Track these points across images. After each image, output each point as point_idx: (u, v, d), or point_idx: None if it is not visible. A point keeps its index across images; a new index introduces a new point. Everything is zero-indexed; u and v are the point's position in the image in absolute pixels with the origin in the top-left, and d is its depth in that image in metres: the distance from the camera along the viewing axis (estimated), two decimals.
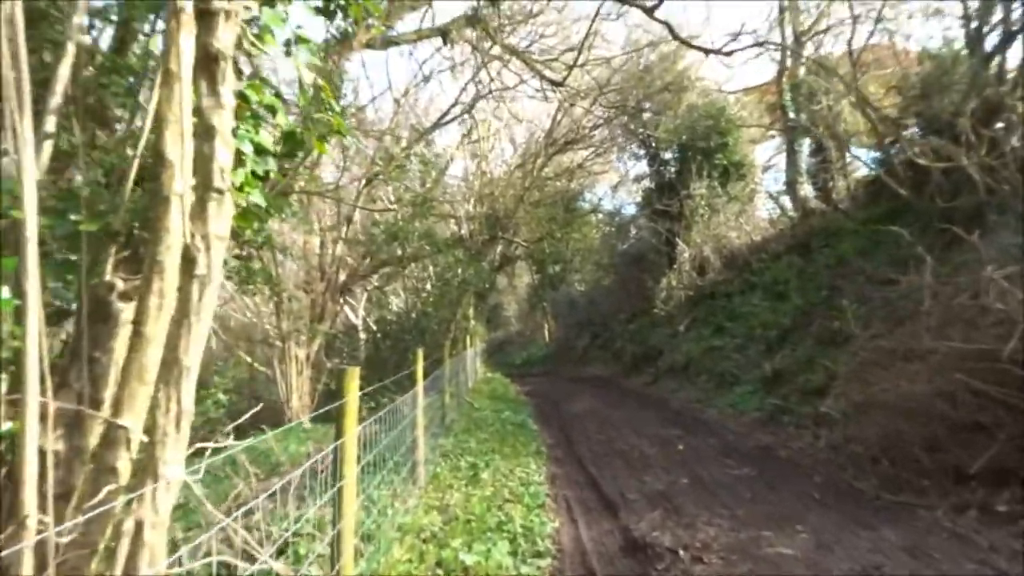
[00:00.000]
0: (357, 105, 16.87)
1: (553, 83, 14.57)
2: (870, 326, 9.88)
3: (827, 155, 15.44)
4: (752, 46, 12.86)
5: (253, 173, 2.95)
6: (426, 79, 17.92)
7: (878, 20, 11.88)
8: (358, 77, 40.59)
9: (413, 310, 19.84)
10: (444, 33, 13.21)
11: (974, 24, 10.24)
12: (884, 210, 13.44)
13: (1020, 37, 9.44)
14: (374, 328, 20.72)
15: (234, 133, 2.77)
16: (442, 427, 9.06)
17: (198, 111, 2.37)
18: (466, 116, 20.09)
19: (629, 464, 7.89)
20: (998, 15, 9.99)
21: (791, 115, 16.54)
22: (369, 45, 12.69)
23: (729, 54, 11.35)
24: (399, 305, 21.92)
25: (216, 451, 4.80)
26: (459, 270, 19.70)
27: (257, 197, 2.96)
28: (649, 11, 10.76)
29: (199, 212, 2.37)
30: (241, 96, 2.96)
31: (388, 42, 12.89)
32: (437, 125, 18.87)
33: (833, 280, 12.37)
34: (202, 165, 2.38)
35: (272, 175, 3.08)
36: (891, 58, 13.76)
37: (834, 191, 15.09)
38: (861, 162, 14.09)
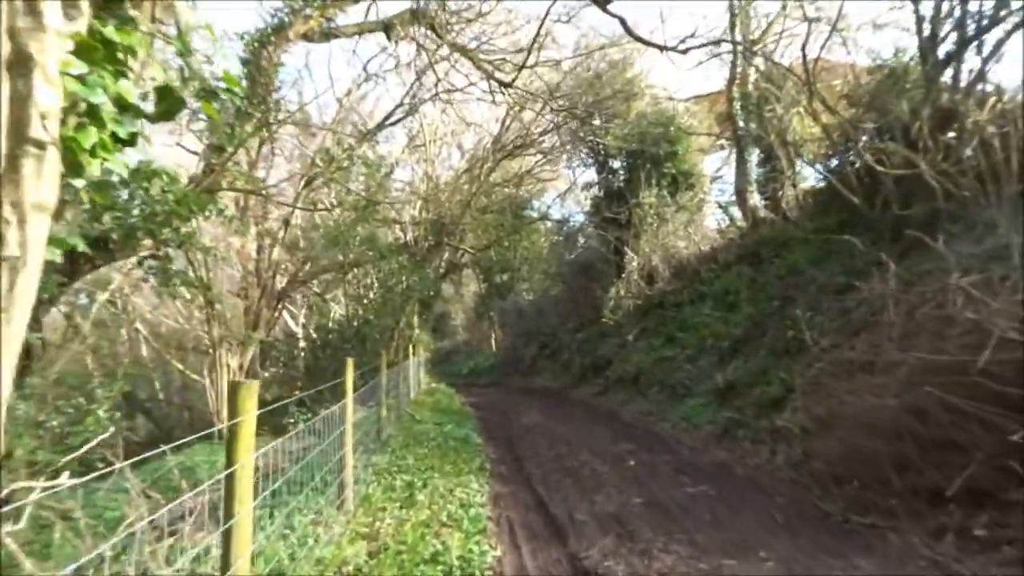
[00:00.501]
0: (300, 103, 16.09)
1: (502, 84, 14.08)
2: (825, 336, 9.62)
3: (776, 164, 15.30)
4: (706, 44, 12.58)
5: (114, 136, 2.31)
6: (369, 77, 17.27)
7: (833, 28, 11.71)
8: (301, 76, 39.76)
9: (355, 318, 19.05)
10: (387, 27, 12.62)
11: (927, 32, 10.10)
12: (835, 220, 13.31)
13: (974, 45, 9.30)
14: (314, 336, 19.85)
15: (84, 80, 2.14)
16: (378, 442, 8.40)
17: (11, 33, 1.75)
18: (412, 118, 19.52)
19: (579, 482, 7.37)
20: (950, 24, 9.88)
21: (740, 123, 16.38)
22: (307, 37, 12.03)
23: (684, 52, 11.03)
24: (340, 313, 21.11)
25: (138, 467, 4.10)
26: (403, 277, 19.03)
27: (118, 166, 2.33)
28: (602, 4, 10.36)
29: (10, 171, 1.75)
30: (103, 40, 2.32)
31: (327, 34, 12.24)
32: (381, 126, 18.21)
33: (785, 290, 12.14)
34: (16, 108, 1.75)
35: (140, 138, 2.43)
36: (841, 69, 13.71)
37: (783, 200, 14.93)
38: (814, 169, 13.93)
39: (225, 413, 11.60)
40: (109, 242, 8.29)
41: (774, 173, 15.46)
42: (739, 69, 16.31)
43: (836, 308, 10.33)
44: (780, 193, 14.84)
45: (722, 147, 21.98)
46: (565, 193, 25.97)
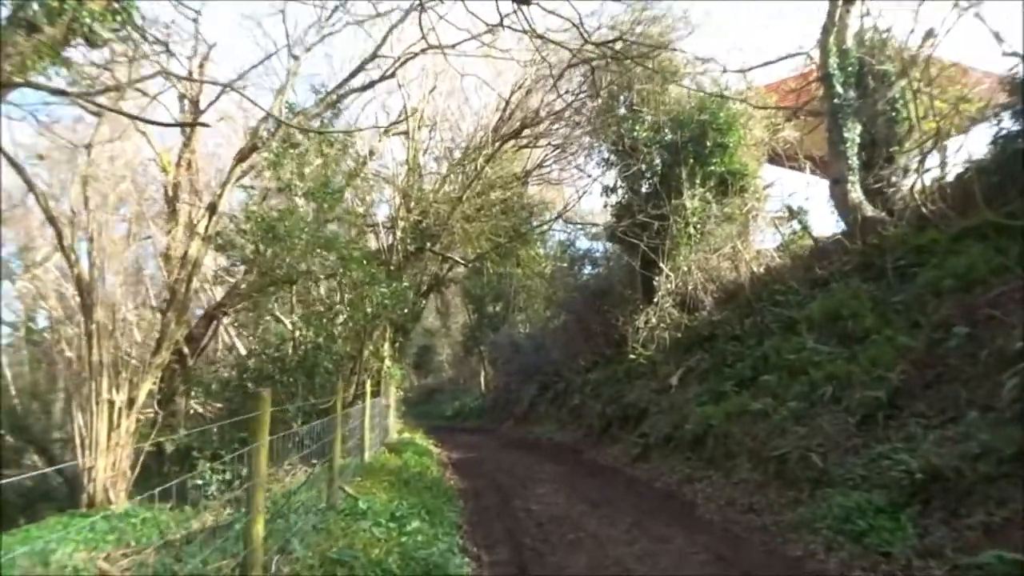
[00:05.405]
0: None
1: (518, 0, 9.55)
2: None
3: (895, 142, 10.79)
4: None
5: None
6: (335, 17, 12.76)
7: None
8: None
9: (303, 343, 14.15)
10: None
11: None
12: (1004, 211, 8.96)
13: None
14: (246, 364, 14.86)
15: None
16: None
17: None
18: (392, 86, 15.06)
19: None
20: None
21: (838, 89, 11.93)
22: None
23: None
24: (291, 335, 16.18)
25: None
26: (372, 290, 14.21)
27: None
28: None
29: None
30: None
31: None
32: (346, 87, 13.63)
33: (966, 311, 7.53)
34: None
35: None
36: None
37: (912, 192, 10.44)
38: (992, 122, 9.37)
39: (101, 467, 6.57)
40: None
41: (891, 156, 10.93)
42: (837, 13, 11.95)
43: None
44: (915, 181, 10.30)
45: (788, 147, 17.38)
46: (580, 198, 21.28)
